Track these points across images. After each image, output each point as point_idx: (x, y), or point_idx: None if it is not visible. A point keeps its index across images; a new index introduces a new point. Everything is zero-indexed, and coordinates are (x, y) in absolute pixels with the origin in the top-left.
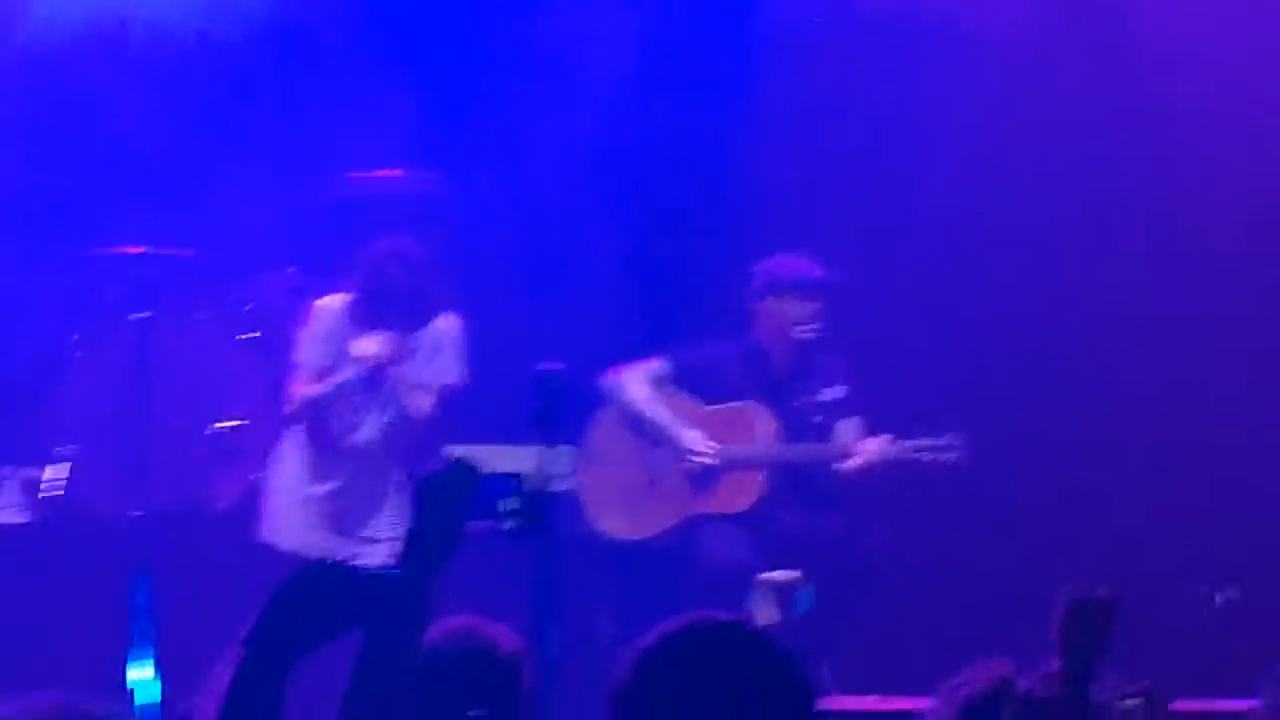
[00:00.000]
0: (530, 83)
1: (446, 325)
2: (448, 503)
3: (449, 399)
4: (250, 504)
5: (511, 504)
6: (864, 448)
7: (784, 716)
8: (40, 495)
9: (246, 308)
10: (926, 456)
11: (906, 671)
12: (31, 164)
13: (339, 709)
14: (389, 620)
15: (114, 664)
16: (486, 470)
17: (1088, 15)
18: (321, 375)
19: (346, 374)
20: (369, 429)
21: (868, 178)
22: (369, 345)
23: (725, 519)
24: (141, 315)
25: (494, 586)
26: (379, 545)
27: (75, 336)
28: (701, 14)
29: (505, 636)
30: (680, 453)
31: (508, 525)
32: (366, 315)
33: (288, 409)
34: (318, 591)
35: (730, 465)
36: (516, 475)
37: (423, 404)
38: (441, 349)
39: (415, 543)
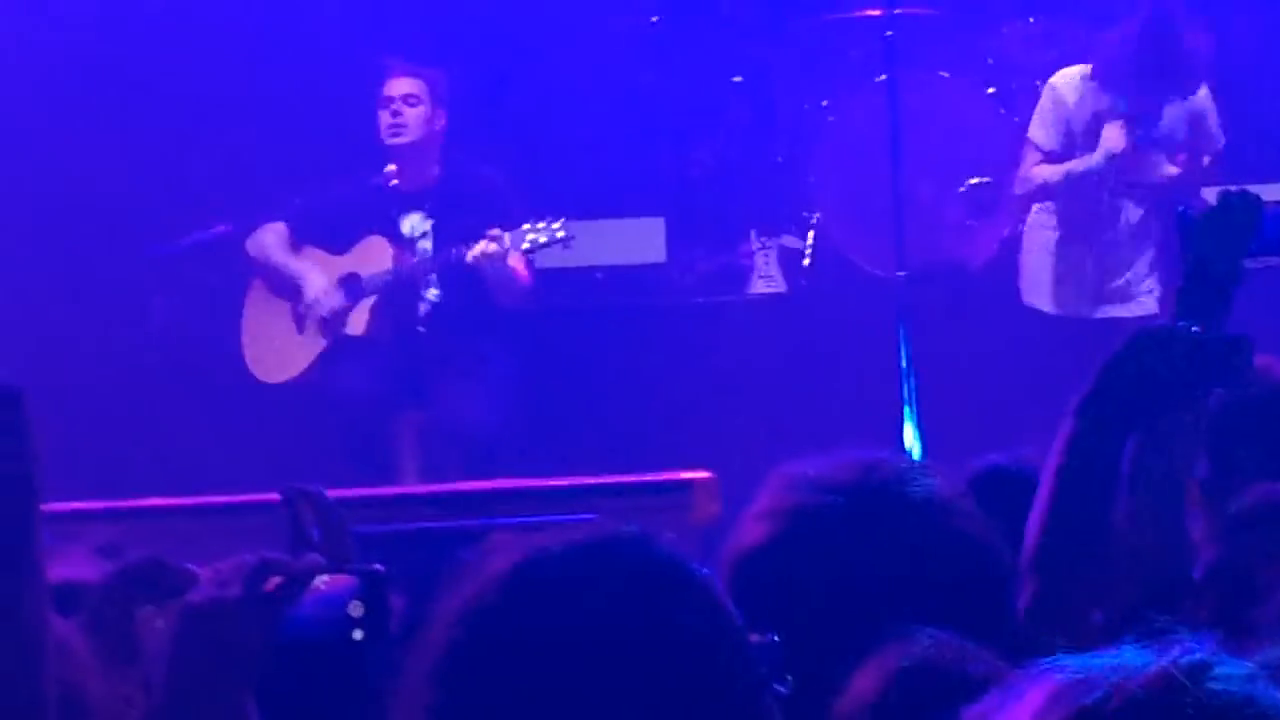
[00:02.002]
0: None
1: (1206, 93)
2: (1224, 239)
3: (1208, 169)
4: (1005, 261)
5: None
6: None
7: None
8: (799, 263)
9: (989, 61)
10: None
11: None
12: None
13: (1134, 462)
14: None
15: (886, 424)
16: (1265, 201)
17: None
18: (1055, 158)
19: (1087, 163)
20: (1120, 204)
21: None
22: (1112, 138)
23: None
24: (887, 76)
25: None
26: (1145, 299)
27: (824, 103)
28: None
29: None
30: None
31: None
32: (1112, 87)
33: (1020, 189)
34: (1148, 354)
35: None
36: None
37: (1173, 175)
38: (1202, 117)
39: (1191, 287)
